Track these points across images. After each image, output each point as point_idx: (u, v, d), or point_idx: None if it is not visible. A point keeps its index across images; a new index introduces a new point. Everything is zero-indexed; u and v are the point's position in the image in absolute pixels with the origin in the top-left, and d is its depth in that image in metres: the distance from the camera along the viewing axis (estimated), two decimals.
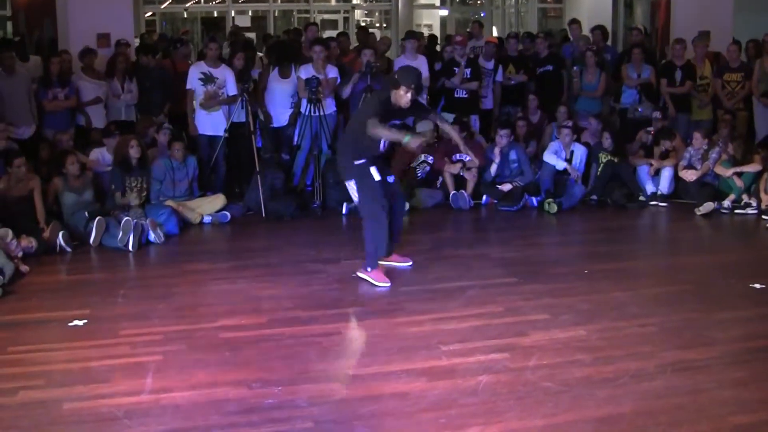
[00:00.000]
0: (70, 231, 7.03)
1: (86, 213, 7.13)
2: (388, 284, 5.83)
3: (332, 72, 8.68)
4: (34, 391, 4.12)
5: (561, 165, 8.60)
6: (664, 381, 4.20)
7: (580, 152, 8.77)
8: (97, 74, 8.91)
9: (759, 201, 8.14)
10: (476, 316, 5.18)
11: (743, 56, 10.02)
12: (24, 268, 6.21)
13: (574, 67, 9.93)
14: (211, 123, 8.54)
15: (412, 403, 3.98)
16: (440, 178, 8.77)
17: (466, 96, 9.56)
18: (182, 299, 5.66)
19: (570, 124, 8.87)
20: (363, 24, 18.12)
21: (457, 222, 8.23)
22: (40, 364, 4.50)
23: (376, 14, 20.57)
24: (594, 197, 8.70)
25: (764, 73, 9.42)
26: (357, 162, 5.85)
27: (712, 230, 7.97)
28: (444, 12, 19.59)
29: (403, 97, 5.75)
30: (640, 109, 9.60)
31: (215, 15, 19.82)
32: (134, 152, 7.52)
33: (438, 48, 11.61)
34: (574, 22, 11.17)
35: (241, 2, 18.50)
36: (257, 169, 8.13)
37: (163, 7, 18.14)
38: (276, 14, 18.50)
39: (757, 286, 5.76)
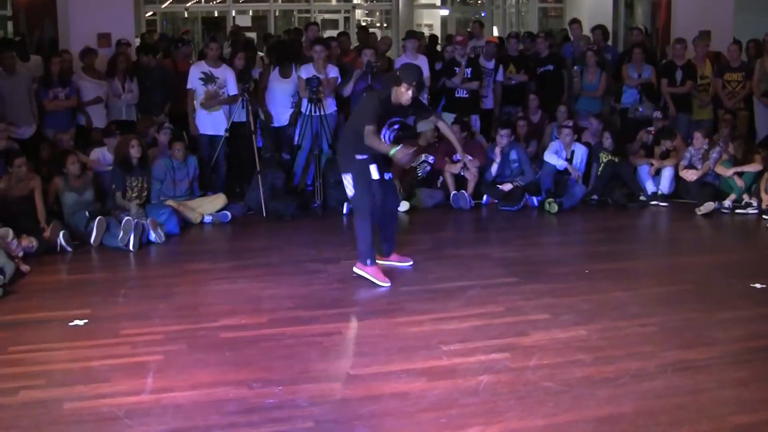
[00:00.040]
0: (71, 231, 7.04)
1: (87, 213, 7.14)
2: (388, 284, 5.84)
3: (333, 72, 8.68)
4: (35, 391, 4.12)
5: (562, 165, 8.60)
6: (664, 381, 4.20)
7: (580, 152, 8.77)
8: (98, 74, 8.91)
9: (760, 201, 8.14)
10: (477, 316, 5.18)
11: (744, 56, 10.02)
12: (25, 267, 6.21)
13: (575, 67, 9.93)
14: (211, 123, 8.55)
15: (413, 403, 3.98)
16: (441, 178, 8.77)
17: (466, 96, 9.57)
18: (183, 299, 5.66)
19: (571, 124, 8.87)
20: (363, 24, 18.14)
21: (457, 222, 8.23)
22: (40, 364, 4.50)
23: (377, 14, 20.57)
24: (595, 197, 8.70)
25: (765, 72, 9.41)
26: (359, 157, 5.84)
27: (713, 230, 7.97)
28: (444, 12, 19.59)
29: (404, 94, 5.75)
30: (640, 109, 9.60)
31: (216, 15, 19.83)
32: (135, 152, 7.52)
33: (439, 48, 11.60)
34: (575, 21, 11.17)
35: (242, 2, 18.50)
36: (258, 168, 8.13)
37: (163, 6, 18.14)
38: (277, 14, 18.50)
39: (758, 285, 5.76)
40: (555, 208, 8.29)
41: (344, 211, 8.04)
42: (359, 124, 5.78)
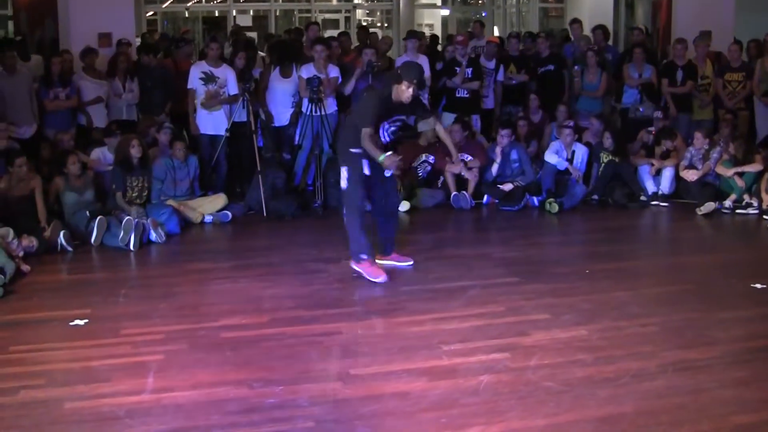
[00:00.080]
0: (72, 230, 7.04)
1: (87, 212, 7.14)
2: (383, 278, 5.85)
3: (333, 71, 8.69)
4: (35, 391, 4.12)
5: (562, 165, 8.60)
6: (665, 381, 4.20)
7: (581, 152, 8.77)
8: (99, 74, 8.91)
9: (760, 201, 8.14)
10: (477, 316, 5.18)
11: (744, 56, 10.01)
12: (25, 267, 6.21)
13: (576, 67, 9.93)
14: (212, 122, 8.54)
15: (413, 403, 3.98)
16: (441, 178, 8.77)
17: (467, 96, 9.56)
18: (183, 299, 5.66)
19: (572, 124, 8.87)
20: (364, 24, 18.13)
21: (458, 222, 8.23)
22: (41, 364, 4.51)
23: (378, 14, 20.58)
24: (595, 197, 8.70)
25: (765, 72, 9.41)
26: (353, 150, 5.87)
27: (713, 230, 7.97)
28: (445, 11, 19.59)
29: (405, 92, 5.76)
30: (641, 109, 9.59)
31: (216, 14, 19.83)
32: (135, 152, 7.52)
33: (439, 48, 11.61)
34: (576, 21, 11.16)
35: (243, 2, 18.50)
36: (258, 168, 8.13)
37: (164, 6, 18.13)
38: (277, 14, 18.50)
39: (758, 285, 5.76)
40: (555, 208, 8.28)
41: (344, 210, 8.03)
42: (358, 122, 5.81)
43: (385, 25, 19.61)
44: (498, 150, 8.71)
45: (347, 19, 19.24)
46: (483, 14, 19.56)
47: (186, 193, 7.93)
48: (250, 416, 3.84)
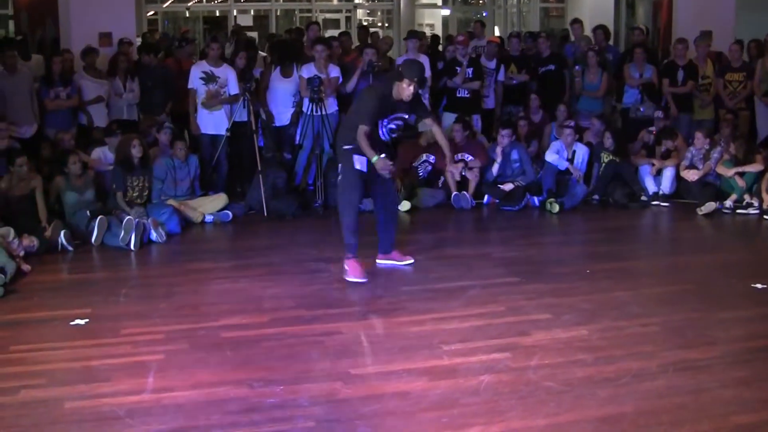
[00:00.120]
0: (72, 230, 7.04)
1: (88, 212, 7.14)
2: (362, 280, 5.86)
3: (334, 71, 8.69)
4: (36, 390, 4.12)
5: (563, 165, 8.60)
6: (665, 380, 4.20)
7: (582, 152, 8.77)
8: (99, 73, 8.91)
9: (761, 201, 8.14)
10: (478, 316, 5.18)
11: (745, 56, 10.02)
12: (26, 267, 6.21)
13: (576, 67, 9.92)
14: (213, 122, 8.55)
15: (414, 403, 3.98)
16: (442, 178, 8.77)
17: (467, 96, 9.56)
18: (184, 298, 5.66)
19: (572, 124, 8.87)
20: (365, 23, 18.12)
21: (458, 222, 8.23)
22: (41, 363, 4.50)
23: (378, 14, 20.57)
24: (596, 197, 8.70)
25: (766, 72, 9.41)
26: (345, 146, 5.88)
27: (714, 230, 7.97)
28: (446, 11, 19.58)
29: (405, 89, 5.77)
30: (641, 109, 9.59)
31: (217, 14, 19.83)
32: (136, 151, 7.52)
33: (440, 48, 11.61)
34: (576, 21, 11.16)
35: (243, 1, 18.49)
36: (259, 168, 8.13)
37: (165, 6, 18.13)
38: (278, 13, 18.49)
39: (759, 285, 5.76)
40: (556, 208, 8.28)
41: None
42: (355, 118, 5.83)
43: (386, 25, 19.60)
44: (498, 150, 8.71)
45: (348, 18, 19.24)
46: (483, 14, 19.55)
47: (186, 193, 7.93)
48: (251, 416, 3.84)
